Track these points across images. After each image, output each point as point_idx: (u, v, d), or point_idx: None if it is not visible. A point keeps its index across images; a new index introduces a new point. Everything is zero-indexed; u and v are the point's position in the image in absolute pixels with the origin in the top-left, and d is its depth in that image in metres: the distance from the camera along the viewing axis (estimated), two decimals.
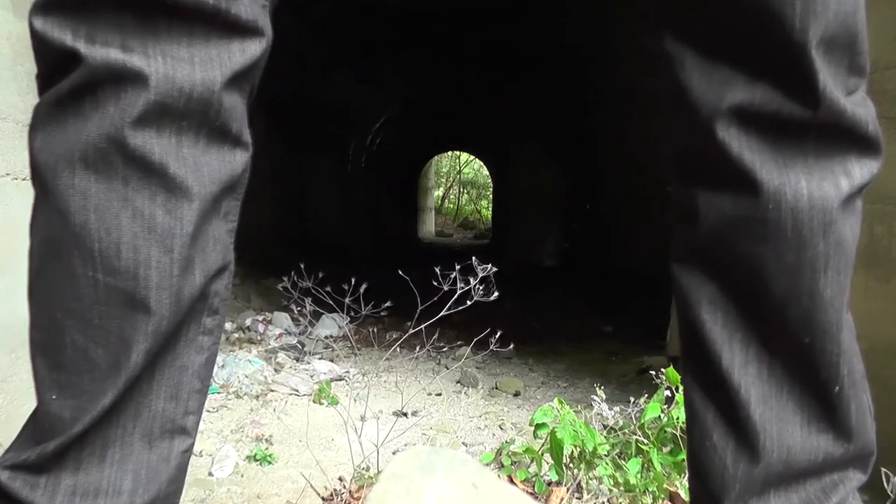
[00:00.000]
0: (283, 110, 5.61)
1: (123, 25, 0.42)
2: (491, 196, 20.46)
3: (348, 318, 3.10)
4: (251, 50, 0.46)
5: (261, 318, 3.52)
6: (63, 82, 0.43)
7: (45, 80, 0.44)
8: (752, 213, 0.47)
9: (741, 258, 0.49)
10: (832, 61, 0.45)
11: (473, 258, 1.29)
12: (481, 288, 1.25)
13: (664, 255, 0.55)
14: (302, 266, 1.42)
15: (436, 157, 20.11)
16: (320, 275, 1.42)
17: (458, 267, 1.27)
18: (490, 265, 1.30)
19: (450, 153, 22.51)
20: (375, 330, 2.48)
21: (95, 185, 0.43)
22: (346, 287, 1.40)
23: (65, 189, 0.43)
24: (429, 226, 17.87)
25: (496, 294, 1.26)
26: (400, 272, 1.55)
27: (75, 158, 0.43)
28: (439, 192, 23.66)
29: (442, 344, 1.76)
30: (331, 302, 1.43)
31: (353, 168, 8.12)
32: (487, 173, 20.29)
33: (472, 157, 21.82)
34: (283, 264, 1.70)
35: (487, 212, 22.24)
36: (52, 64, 0.43)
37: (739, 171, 0.47)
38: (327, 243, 6.85)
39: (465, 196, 24.31)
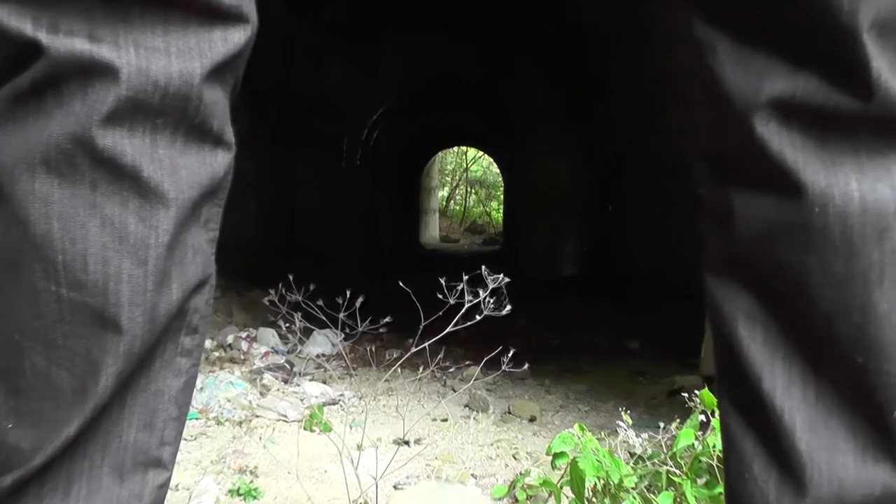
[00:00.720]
0: (269, 103, 5.65)
1: (91, 12, 0.41)
2: (502, 197, 20.52)
3: (343, 335, 3.11)
4: (234, 38, 0.46)
5: (244, 334, 3.54)
6: (23, 77, 0.42)
7: (2, 74, 0.43)
8: (795, 219, 0.47)
9: (783, 268, 0.48)
10: (887, 46, 0.44)
11: (483, 267, 1.29)
12: (492, 301, 1.26)
13: (698, 261, 0.55)
14: (290, 277, 1.42)
15: (439, 154, 20.19)
16: (311, 286, 1.43)
17: (465, 277, 1.27)
18: (502, 275, 1.30)
19: (455, 149, 22.59)
20: (373, 348, 2.49)
21: (59, 190, 0.42)
22: (341, 300, 1.40)
23: (24, 195, 0.42)
24: (432, 230, 17.87)
25: (509, 308, 1.27)
26: (400, 283, 1.55)
27: (36, 161, 0.42)
28: (444, 193, 23.71)
29: (448, 363, 1.76)
30: (323, 317, 1.43)
31: (347, 166, 8.17)
32: (497, 171, 20.36)
33: (480, 153, 21.90)
34: (270, 275, 1.71)
35: (498, 214, 22.23)
36: (10, 56, 0.42)
37: (780, 171, 0.47)
38: (319, 251, 6.87)
39: (473, 196, 24.31)
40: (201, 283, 0.49)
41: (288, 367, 3.09)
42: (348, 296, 1.41)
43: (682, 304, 2.98)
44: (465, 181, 24.27)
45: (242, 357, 3.18)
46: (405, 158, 12.08)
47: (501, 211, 18.30)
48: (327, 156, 7.61)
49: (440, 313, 1.32)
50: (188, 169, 0.46)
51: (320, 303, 1.45)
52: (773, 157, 0.47)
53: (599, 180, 7.27)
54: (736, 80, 0.48)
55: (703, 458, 1.22)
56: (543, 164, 7.95)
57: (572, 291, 6.70)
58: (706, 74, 0.50)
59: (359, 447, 1.43)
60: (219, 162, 0.48)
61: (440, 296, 1.28)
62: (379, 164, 9.62)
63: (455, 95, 9.41)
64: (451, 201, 24.38)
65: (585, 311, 5.66)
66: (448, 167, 23.67)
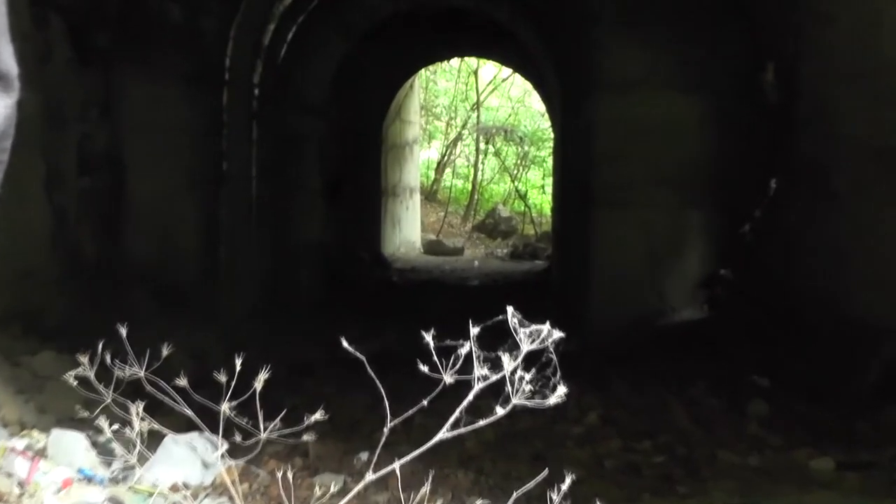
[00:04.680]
0: None
1: None
2: (549, 164, 20.36)
3: (227, 446, 3.13)
4: None
5: (22, 444, 3.53)
6: None
7: None
8: None
9: None
10: None
11: (510, 311, 1.37)
12: (529, 377, 1.27)
13: None
14: (123, 328, 1.43)
15: (423, 75, 20.12)
16: (166, 349, 1.45)
17: (473, 330, 1.34)
18: (547, 326, 1.40)
19: (451, 63, 22.59)
20: (289, 471, 2.48)
21: None
22: (223, 376, 1.42)
23: None
24: (409, 231, 18.10)
25: (563, 391, 1.29)
26: (345, 344, 1.57)
27: None
28: (431, 155, 23.55)
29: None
30: (188, 410, 1.44)
31: (230, 108, 8.21)
32: (543, 111, 20.34)
33: (505, 72, 21.76)
34: (75, 324, 1.71)
35: (542, 199, 22.01)
36: None
37: None
38: (176, 280, 6.88)
39: (491, 162, 24.08)
40: None
41: None
42: (238, 369, 1.43)
43: None
44: (477, 129, 24.47)
45: (17, 492, 3.18)
46: (349, 89, 12.14)
47: (550, 192, 18.34)
48: (188, 88, 7.66)
49: (425, 403, 1.35)
50: None
51: (182, 381, 1.46)
52: None
53: (751, 139, 7.33)
54: None
55: None
56: (643, 98, 7.99)
57: (694, 353, 6.73)
58: None
59: None
60: None
61: (424, 366, 1.29)
62: (297, 102, 9.68)
63: None
64: (446, 172, 24.20)
65: (721, 394, 5.69)
66: (436, 102, 23.72)
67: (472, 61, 21.94)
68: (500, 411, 1.28)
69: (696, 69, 7.85)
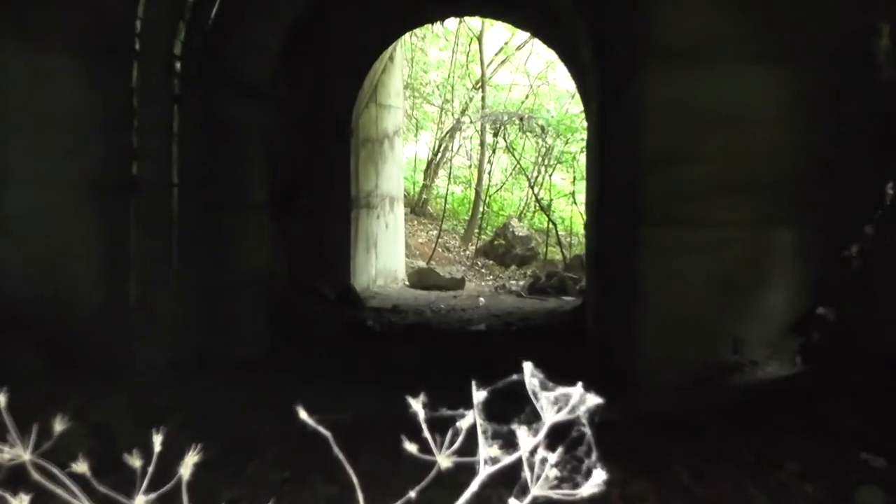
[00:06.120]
0: None
1: None
2: (581, 164, 20.31)
3: None
4: None
5: None
6: None
7: None
8: None
9: None
10: None
11: (528, 368, 1.39)
12: (552, 457, 1.29)
13: None
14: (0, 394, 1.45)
15: (407, 43, 20.10)
16: (59, 421, 1.46)
17: (478, 395, 1.36)
18: (581, 388, 1.41)
19: (446, 25, 22.63)
20: None
21: None
22: (137, 457, 1.43)
23: None
24: (389, 256, 18.35)
25: (600, 477, 1.31)
26: (300, 411, 1.59)
27: None
28: (418, 152, 23.55)
29: None
30: None
31: (143, 90, 8.24)
32: (573, 93, 20.38)
33: (515, 36, 21.68)
34: None
35: (571, 210, 21.99)
36: None
37: None
38: (68, 326, 6.89)
39: (500, 157, 24.09)
40: None
41: None
42: (156, 449, 1.45)
43: None
44: (481, 116, 24.28)
45: None
46: (309, 59, 12.20)
47: (581, 204, 18.39)
48: (86, 62, 7.72)
49: (412, 493, 1.37)
50: None
51: (81, 466, 1.48)
52: None
53: (858, 129, 7.36)
54: None
55: None
56: (711, 73, 8.03)
57: (782, 423, 6.72)
58: None
59: None
60: None
61: (410, 444, 1.31)
62: (235, 80, 9.74)
63: None
64: (440, 175, 24.16)
65: (820, 479, 5.68)
66: (426, 81, 23.68)
67: (474, 23, 22.00)
68: None
69: (782, 34, 7.88)
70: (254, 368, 9.37)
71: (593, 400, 1.41)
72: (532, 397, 1.33)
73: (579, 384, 1.43)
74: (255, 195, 10.63)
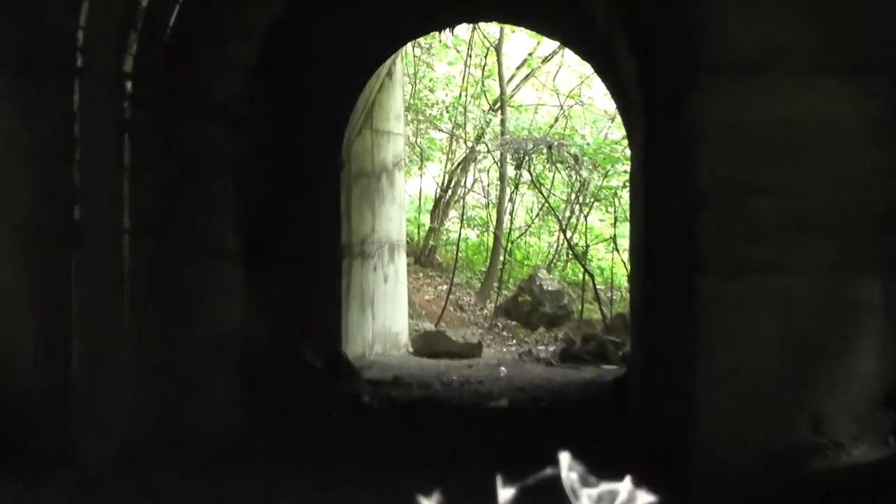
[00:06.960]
0: None
1: None
2: (625, 202, 20.39)
3: None
4: None
5: None
6: None
7: None
8: None
9: None
10: None
11: (565, 459, 1.37)
12: None
13: None
14: None
15: (409, 55, 20.24)
16: None
17: (505, 494, 1.38)
18: (629, 483, 1.40)
19: (457, 33, 22.77)
20: None
21: None
22: None
23: None
24: (388, 316, 18.43)
25: None
26: None
27: None
28: (427, 190, 23.66)
29: None
30: None
31: (86, 114, 8.24)
32: (613, 113, 20.47)
33: (542, 45, 21.81)
34: None
35: (612, 259, 22.09)
36: None
37: None
38: None
39: (524, 194, 24.21)
40: None
41: None
42: None
43: None
44: (501, 144, 24.48)
45: None
46: (289, 76, 12.29)
47: (624, 251, 18.43)
48: (15, 80, 7.84)
49: None
50: None
51: None
52: None
53: None
54: None
55: None
56: (781, 87, 8.01)
57: None
58: None
59: None
60: None
61: None
62: (199, 102, 9.80)
63: None
64: (451, 216, 24.28)
65: None
66: (432, 101, 23.86)
67: (491, 28, 22.15)
68: None
69: (863, 42, 7.86)
70: (223, 455, 9.30)
71: (645, 498, 1.34)
72: (570, 495, 1.26)
73: (627, 478, 1.35)
74: (226, 241, 10.61)
